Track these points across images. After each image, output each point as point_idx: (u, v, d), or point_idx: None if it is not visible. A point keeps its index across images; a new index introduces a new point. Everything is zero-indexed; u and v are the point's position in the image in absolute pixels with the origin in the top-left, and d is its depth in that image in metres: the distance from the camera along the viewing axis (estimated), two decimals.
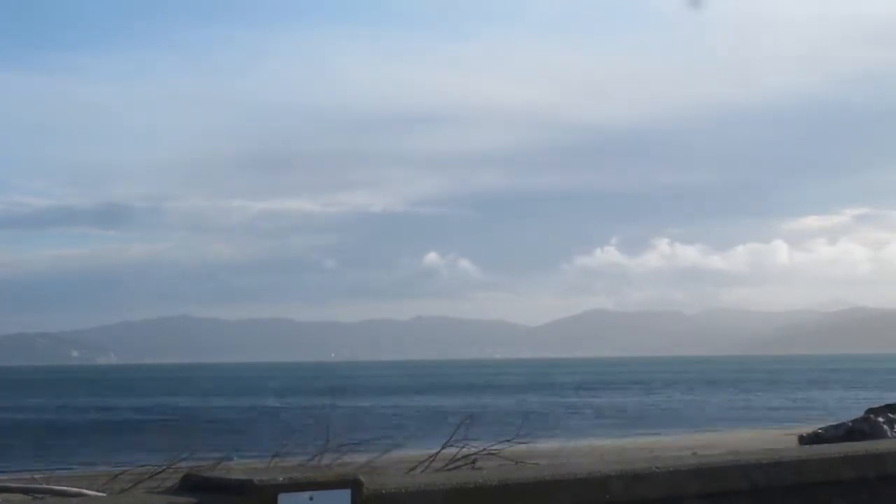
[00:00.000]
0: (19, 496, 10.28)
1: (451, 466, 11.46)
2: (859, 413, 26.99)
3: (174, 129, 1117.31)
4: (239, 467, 8.73)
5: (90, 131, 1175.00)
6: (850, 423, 24.45)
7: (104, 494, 8.33)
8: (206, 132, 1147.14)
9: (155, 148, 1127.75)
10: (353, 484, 4.07)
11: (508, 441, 13.74)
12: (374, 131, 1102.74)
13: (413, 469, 11.32)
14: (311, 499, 3.97)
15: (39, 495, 9.97)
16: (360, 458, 12.73)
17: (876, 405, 26.64)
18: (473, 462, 11.72)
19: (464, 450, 12.44)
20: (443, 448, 12.46)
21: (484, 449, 12.88)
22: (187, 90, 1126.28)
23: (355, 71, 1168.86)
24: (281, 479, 3.95)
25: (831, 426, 25.54)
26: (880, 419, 24.01)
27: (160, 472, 11.11)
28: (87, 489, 10.04)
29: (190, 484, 4.07)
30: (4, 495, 10.22)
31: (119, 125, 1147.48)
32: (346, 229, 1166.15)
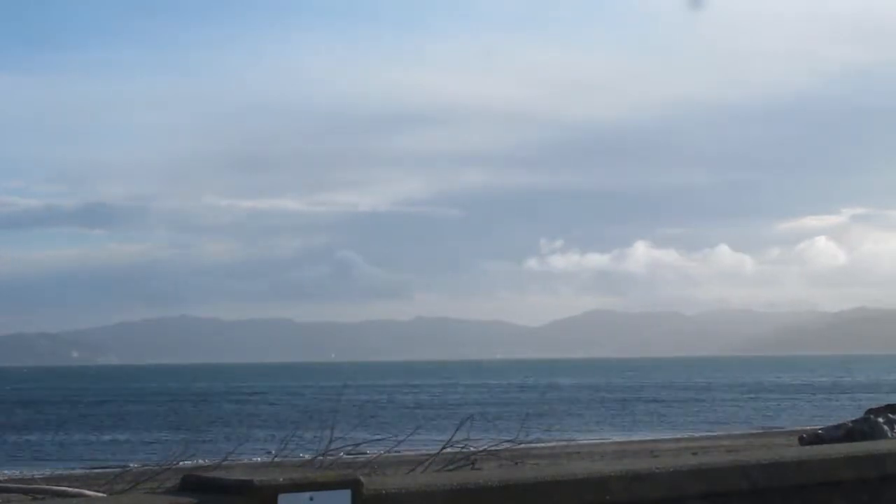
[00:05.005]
0: (19, 496, 10.28)
1: (451, 466, 11.45)
2: (859, 413, 26.99)
3: (158, 128, 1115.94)
4: (239, 467, 8.73)
5: (73, 130, 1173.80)
6: (851, 424, 24.40)
7: (104, 494, 8.34)
8: (190, 132, 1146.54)
9: (138, 148, 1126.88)
10: (353, 484, 4.06)
11: (508, 441, 13.73)
12: (361, 131, 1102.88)
13: (413, 469, 11.31)
14: (311, 499, 3.97)
15: (39, 495, 9.96)
16: (360, 458, 12.74)
17: (876, 405, 26.62)
18: (473, 462, 11.70)
19: (464, 450, 12.43)
20: (443, 448, 12.44)
21: (484, 449, 12.85)
22: (174, 90, 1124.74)
23: (342, 71, 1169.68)
24: (281, 479, 3.95)
25: (831, 427, 25.47)
26: (880, 419, 23.96)
27: (160, 473, 11.10)
28: (87, 489, 10.04)
29: (190, 484, 4.08)
30: (4, 495, 10.21)
31: (102, 124, 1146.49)
32: (333, 228, 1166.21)
